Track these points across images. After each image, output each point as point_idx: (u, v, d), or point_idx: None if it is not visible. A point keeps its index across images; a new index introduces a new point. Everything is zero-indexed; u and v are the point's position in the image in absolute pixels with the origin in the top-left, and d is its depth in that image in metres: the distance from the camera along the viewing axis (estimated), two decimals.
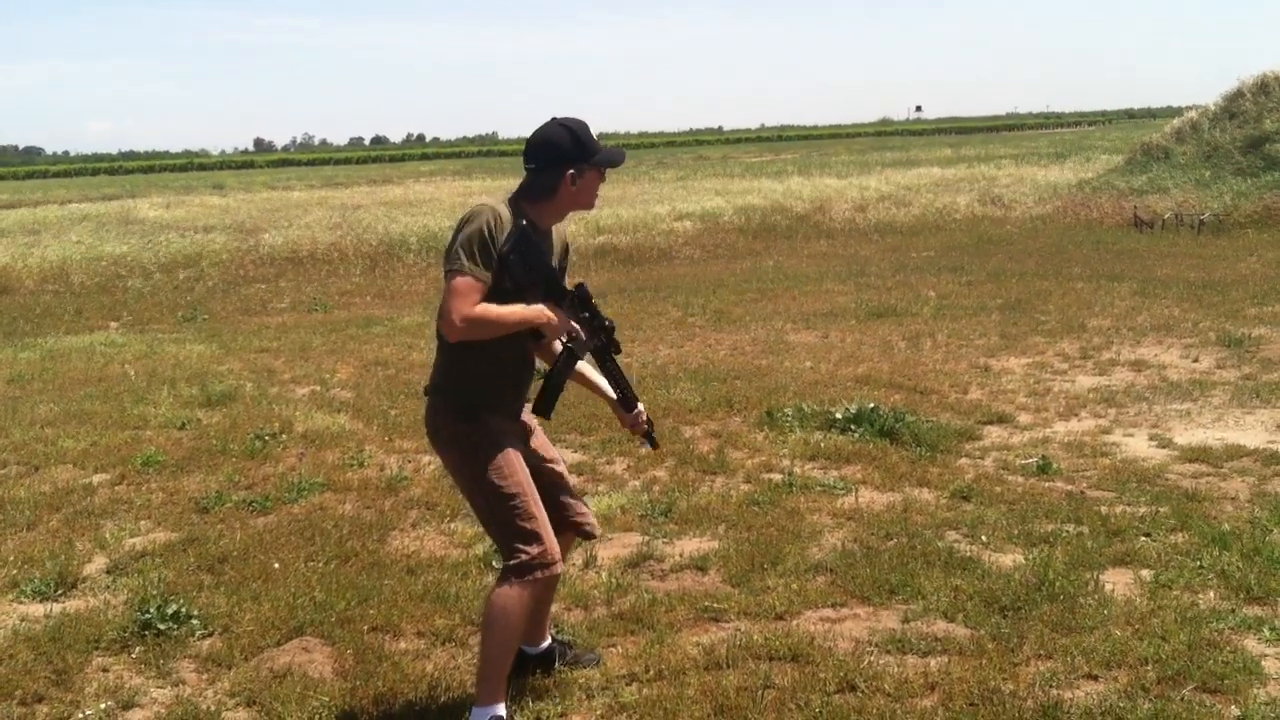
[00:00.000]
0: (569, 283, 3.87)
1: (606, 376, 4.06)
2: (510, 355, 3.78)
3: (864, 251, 19.99)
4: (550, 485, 3.95)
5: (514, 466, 3.76)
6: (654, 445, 4.36)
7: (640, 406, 4.14)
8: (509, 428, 3.83)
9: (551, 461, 4.05)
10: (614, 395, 4.10)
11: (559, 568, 3.80)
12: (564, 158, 3.72)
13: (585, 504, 4.17)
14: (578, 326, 3.84)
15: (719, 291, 14.73)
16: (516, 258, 3.59)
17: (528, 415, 4.00)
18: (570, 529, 4.04)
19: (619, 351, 3.99)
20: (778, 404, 8.30)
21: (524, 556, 3.69)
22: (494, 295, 3.58)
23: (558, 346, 3.90)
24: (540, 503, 3.80)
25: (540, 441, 4.05)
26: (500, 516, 3.74)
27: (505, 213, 3.64)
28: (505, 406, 3.84)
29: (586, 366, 4.05)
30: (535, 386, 3.93)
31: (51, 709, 4.17)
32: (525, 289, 3.67)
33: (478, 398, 3.76)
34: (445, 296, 3.52)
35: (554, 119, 3.83)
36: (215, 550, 5.76)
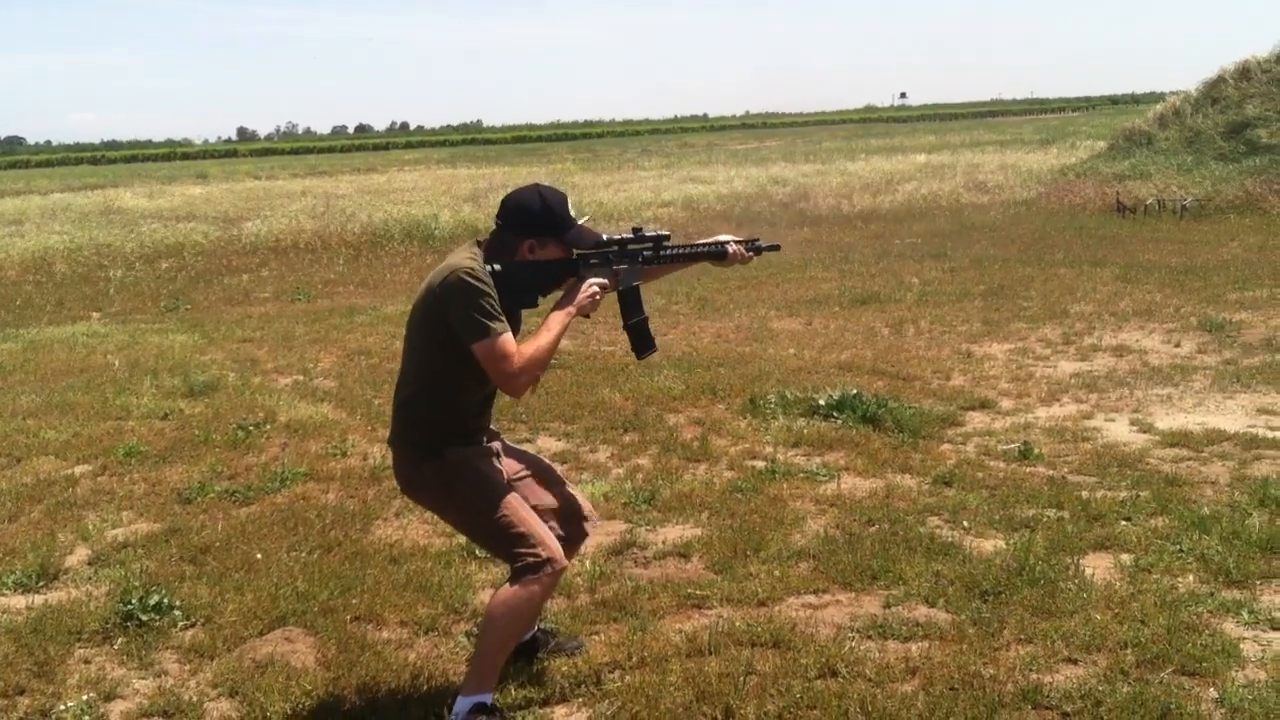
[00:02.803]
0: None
1: (677, 262, 4.13)
2: (470, 398, 3.85)
3: (848, 238, 20.00)
4: (534, 494, 3.99)
5: (490, 480, 3.82)
6: (772, 248, 4.32)
7: (730, 245, 4.14)
8: (474, 452, 3.87)
9: (523, 470, 4.07)
10: (700, 261, 4.18)
11: (564, 562, 3.82)
12: (529, 226, 3.80)
13: (574, 497, 4.17)
14: (605, 281, 3.89)
15: (703, 279, 14.71)
16: (509, 300, 3.71)
17: (490, 438, 4.01)
18: (566, 528, 4.06)
19: (665, 242, 4.04)
20: (761, 391, 8.31)
21: (529, 559, 3.71)
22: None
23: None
24: (527, 506, 3.85)
25: (510, 455, 4.08)
26: (492, 530, 3.78)
27: (479, 264, 3.70)
28: (465, 437, 3.87)
29: (659, 266, 4.11)
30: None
31: (33, 701, 4.17)
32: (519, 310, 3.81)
33: (438, 435, 3.82)
34: (493, 362, 3.62)
35: (536, 185, 3.91)
36: (197, 541, 5.76)
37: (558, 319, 3.78)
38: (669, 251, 4.06)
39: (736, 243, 4.16)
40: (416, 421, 3.84)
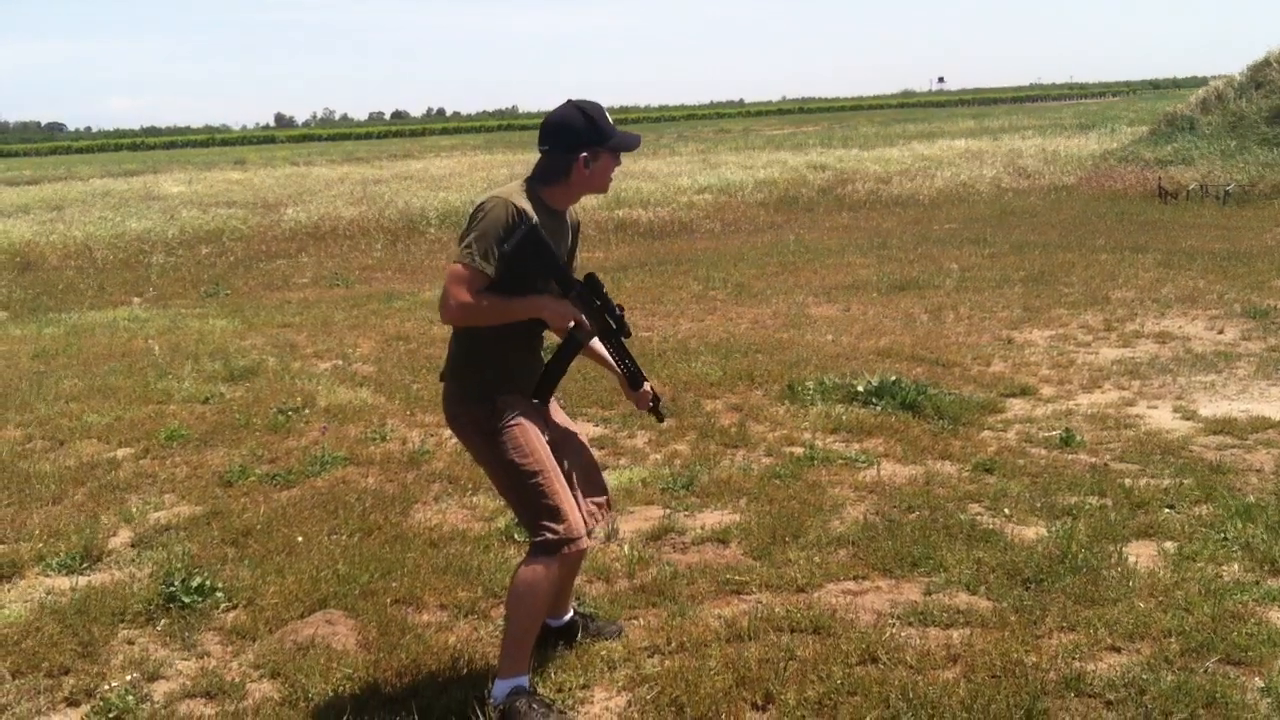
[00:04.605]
0: (579, 272, 3.86)
1: (613, 356, 4.04)
2: (522, 334, 3.79)
3: (886, 224, 19.89)
4: (570, 463, 3.96)
5: (534, 444, 3.76)
6: (659, 419, 4.35)
7: (647, 385, 4.12)
8: (525, 405, 3.83)
9: (569, 438, 4.05)
10: (615, 369, 4.08)
11: (585, 542, 3.81)
12: (578, 141, 3.71)
13: (603, 482, 4.16)
14: (581, 316, 3.79)
15: (740, 265, 14.69)
16: (529, 257, 3.62)
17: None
18: (588, 505, 4.03)
19: (628, 335, 3.98)
20: (799, 377, 8.29)
21: (550, 534, 3.70)
22: (499, 287, 3.59)
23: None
24: (563, 478, 3.81)
25: (559, 418, 4.05)
26: (523, 495, 3.75)
27: (521, 203, 3.63)
28: (519, 384, 3.83)
29: (599, 345, 4.03)
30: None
31: (78, 681, 4.21)
32: (534, 280, 3.70)
33: (491, 378, 3.77)
34: (446, 282, 3.56)
35: (569, 101, 3.81)
36: (239, 524, 5.80)
37: (529, 302, 3.66)
38: (618, 343, 3.98)
39: (653, 390, 4.14)
40: (466, 361, 3.80)
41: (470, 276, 3.52)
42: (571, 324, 3.78)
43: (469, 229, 3.57)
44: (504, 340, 3.74)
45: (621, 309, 3.93)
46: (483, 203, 3.62)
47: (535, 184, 3.74)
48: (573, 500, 3.80)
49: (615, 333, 3.94)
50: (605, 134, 3.73)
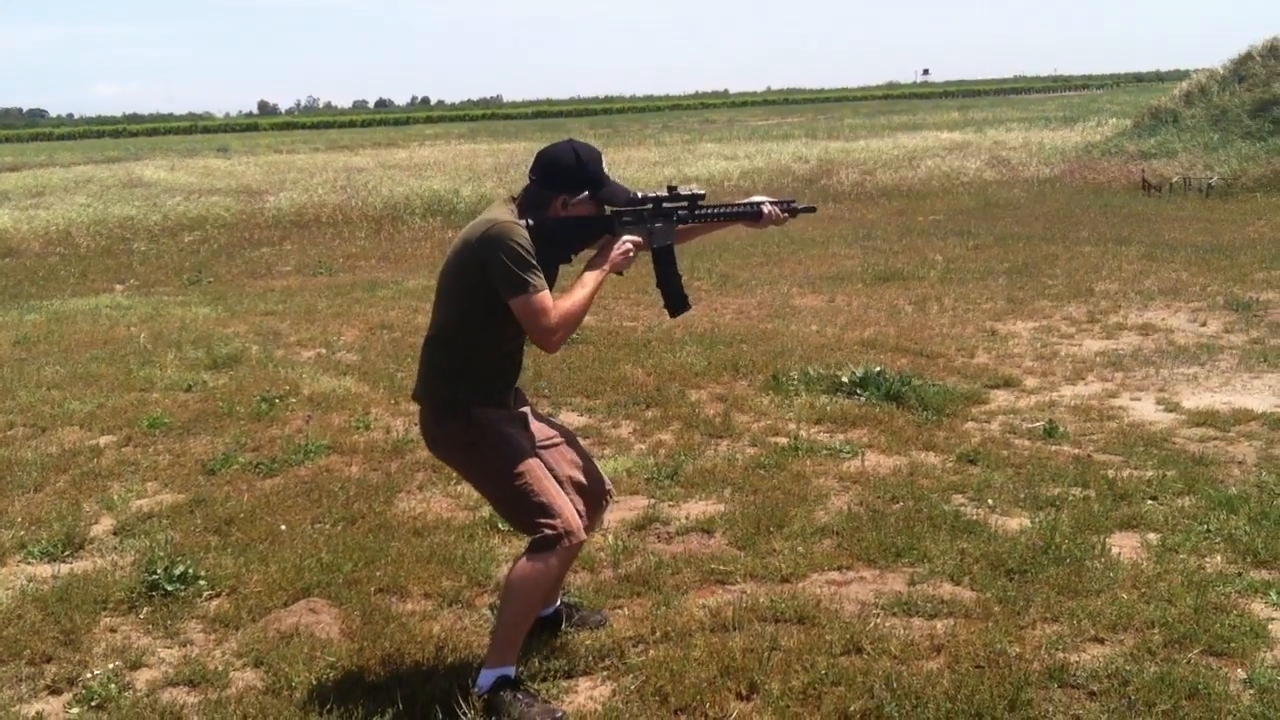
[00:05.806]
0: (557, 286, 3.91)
1: (713, 222, 4.10)
2: (499, 353, 3.82)
3: (870, 215, 19.91)
4: (558, 464, 3.96)
5: (514, 446, 3.78)
6: (808, 209, 4.34)
7: (764, 207, 4.14)
8: (500, 415, 3.83)
9: (553, 438, 4.04)
10: (736, 222, 4.16)
11: (582, 535, 3.80)
12: (564, 182, 3.77)
13: (599, 473, 4.15)
14: (639, 239, 3.89)
15: (724, 255, 14.68)
16: (543, 256, 3.68)
17: (518, 402, 3.99)
18: (589, 501, 4.03)
19: (699, 201, 4.03)
20: (784, 368, 8.29)
21: (547, 531, 3.69)
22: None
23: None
24: (550, 476, 3.82)
25: (536, 424, 4.04)
26: (513, 498, 3.75)
27: (516, 219, 3.67)
28: (492, 398, 3.83)
29: (693, 226, 4.09)
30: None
31: (60, 669, 4.19)
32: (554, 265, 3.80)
33: (463, 393, 3.77)
34: (530, 318, 3.60)
35: (570, 141, 3.88)
36: (222, 512, 5.78)
37: (592, 276, 3.76)
38: (704, 211, 4.04)
39: (772, 203, 4.13)
40: (442, 377, 3.80)
41: (542, 300, 3.59)
42: (631, 249, 3.86)
43: (502, 260, 3.56)
44: (482, 358, 3.77)
45: (671, 187, 4.01)
46: (496, 233, 3.61)
47: (518, 207, 3.77)
48: (564, 496, 3.80)
49: (688, 209, 4.02)
50: (592, 182, 3.79)
